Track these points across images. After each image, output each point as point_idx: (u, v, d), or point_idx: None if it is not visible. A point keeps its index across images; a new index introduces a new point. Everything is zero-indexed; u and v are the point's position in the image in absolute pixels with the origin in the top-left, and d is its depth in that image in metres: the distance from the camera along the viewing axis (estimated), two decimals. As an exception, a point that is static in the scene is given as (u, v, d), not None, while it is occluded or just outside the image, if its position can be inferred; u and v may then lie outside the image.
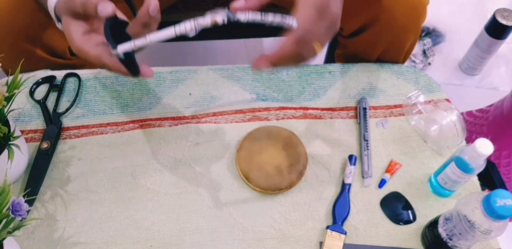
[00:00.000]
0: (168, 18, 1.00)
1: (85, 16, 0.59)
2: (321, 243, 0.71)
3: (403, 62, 0.92)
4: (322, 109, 0.84)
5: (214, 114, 0.82)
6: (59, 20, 0.63)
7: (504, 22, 1.34)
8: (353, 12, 0.80)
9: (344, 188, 0.75)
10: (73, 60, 0.88)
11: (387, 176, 0.78)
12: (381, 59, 0.90)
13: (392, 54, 0.88)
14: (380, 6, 0.77)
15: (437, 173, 0.75)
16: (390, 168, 0.78)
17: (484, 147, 0.66)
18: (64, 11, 0.60)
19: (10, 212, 0.56)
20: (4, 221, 0.58)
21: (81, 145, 0.78)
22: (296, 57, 0.58)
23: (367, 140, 0.80)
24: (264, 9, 1.07)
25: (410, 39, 0.85)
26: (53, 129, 0.78)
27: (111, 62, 0.57)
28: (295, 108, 0.84)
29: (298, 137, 0.79)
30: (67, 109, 0.81)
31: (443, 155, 0.80)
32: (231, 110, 0.83)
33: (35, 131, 0.79)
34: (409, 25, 0.82)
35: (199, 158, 0.78)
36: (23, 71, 0.69)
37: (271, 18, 0.52)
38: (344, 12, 0.83)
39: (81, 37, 0.58)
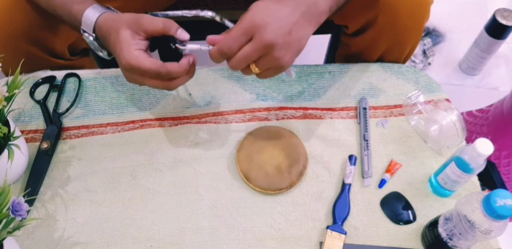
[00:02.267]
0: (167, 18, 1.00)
1: (148, 34, 0.65)
2: (321, 243, 0.71)
3: (404, 62, 0.92)
4: (322, 109, 0.84)
5: (214, 114, 0.82)
6: (93, 34, 0.68)
7: (504, 22, 1.34)
8: (358, 10, 0.80)
9: (344, 188, 0.75)
10: (73, 60, 0.88)
11: (387, 176, 0.78)
12: (382, 59, 0.89)
13: (394, 53, 0.88)
14: (384, 4, 0.77)
15: (437, 173, 0.75)
16: (390, 168, 0.78)
17: (484, 147, 0.66)
18: (126, 25, 0.64)
19: (10, 212, 0.56)
20: (4, 221, 0.58)
21: (81, 145, 0.78)
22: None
23: (367, 140, 0.80)
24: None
25: (412, 38, 0.85)
26: (53, 129, 0.78)
27: (170, 66, 0.64)
28: (295, 108, 0.83)
29: (298, 137, 0.79)
30: (67, 109, 0.81)
31: (443, 155, 0.80)
32: (231, 110, 0.83)
33: (35, 131, 0.79)
34: (412, 24, 0.82)
35: (199, 158, 0.78)
36: (23, 71, 0.69)
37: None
38: (348, 10, 0.83)
39: (138, 51, 0.64)
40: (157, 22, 0.64)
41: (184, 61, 0.65)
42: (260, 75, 0.64)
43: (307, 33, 0.62)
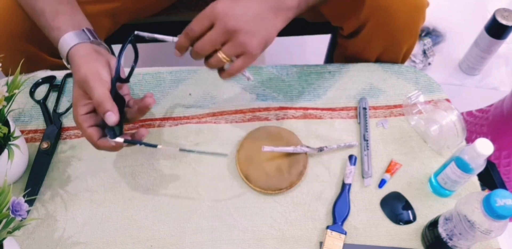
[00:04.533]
0: (167, 18, 1.00)
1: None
2: (321, 243, 0.71)
3: (402, 63, 0.92)
4: (322, 109, 0.84)
5: (214, 114, 0.82)
6: (67, 60, 0.68)
7: (504, 22, 1.34)
8: (352, 12, 0.80)
9: (344, 188, 0.75)
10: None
11: (387, 176, 0.78)
12: (379, 61, 0.89)
13: (390, 55, 0.88)
14: (375, 7, 0.77)
15: (437, 173, 0.75)
16: (390, 168, 0.78)
17: (484, 147, 0.66)
18: (78, 83, 0.64)
19: (10, 212, 0.56)
20: (4, 221, 0.58)
21: (81, 145, 0.78)
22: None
23: (367, 140, 0.80)
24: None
25: (407, 41, 0.85)
26: (53, 129, 0.78)
27: (99, 143, 0.64)
28: (295, 108, 0.83)
29: (298, 137, 0.79)
30: (67, 109, 0.81)
31: (443, 155, 0.80)
32: (231, 110, 0.83)
33: (35, 131, 0.79)
34: (407, 26, 0.82)
35: (199, 158, 0.78)
36: (23, 71, 0.69)
37: None
38: (342, 12, 0.82)
39: (83, 116, 0.64)
40: (94, 95, 0.62)
41: (112, 143, 0.64)
42: (230, 68, 0.65)
43: (273, 24, 0.64)
